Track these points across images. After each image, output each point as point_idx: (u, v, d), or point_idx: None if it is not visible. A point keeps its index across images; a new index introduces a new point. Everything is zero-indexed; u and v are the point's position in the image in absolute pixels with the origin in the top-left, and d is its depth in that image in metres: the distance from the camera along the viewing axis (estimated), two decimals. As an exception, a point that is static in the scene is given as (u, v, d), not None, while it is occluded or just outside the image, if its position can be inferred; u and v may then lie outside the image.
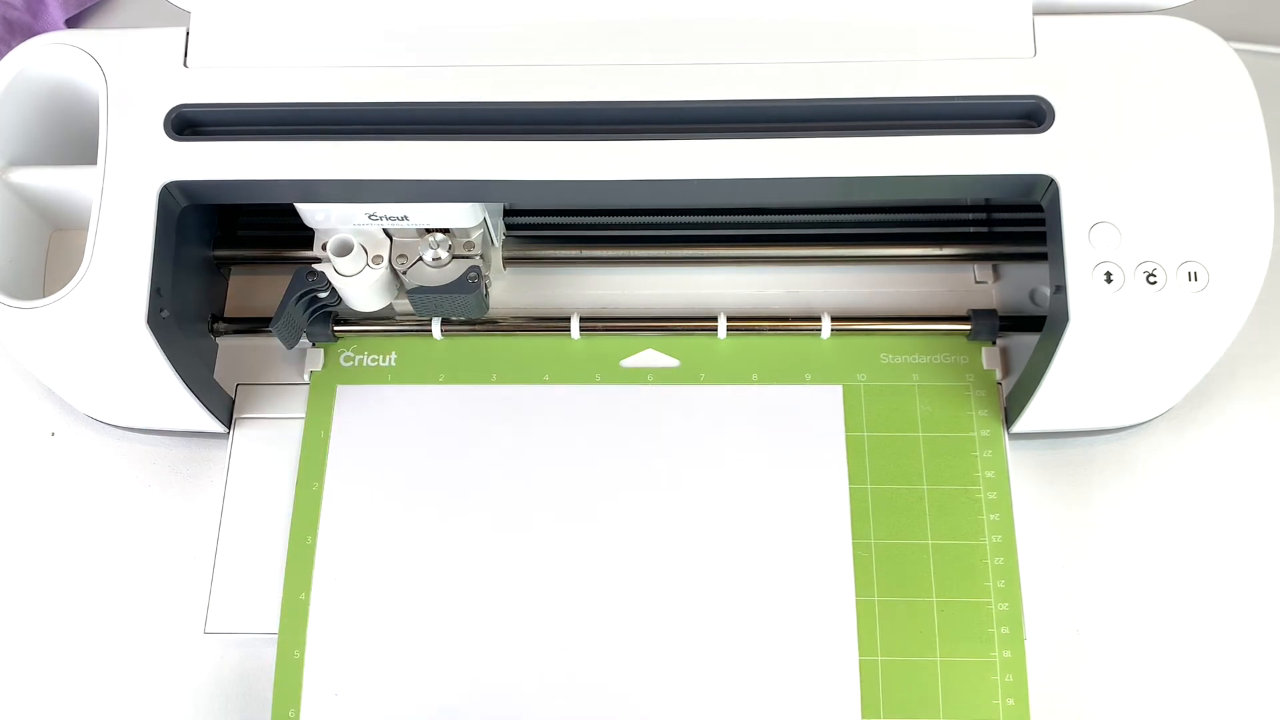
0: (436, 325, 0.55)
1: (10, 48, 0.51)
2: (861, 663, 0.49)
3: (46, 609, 0.53)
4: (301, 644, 0.50)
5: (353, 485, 0.53)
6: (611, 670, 0.49)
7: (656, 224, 0.56)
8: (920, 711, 0.48)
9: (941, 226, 0.56)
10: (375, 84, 0.48)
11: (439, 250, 0.52)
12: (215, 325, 0.56)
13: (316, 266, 0.52)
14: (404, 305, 0.54)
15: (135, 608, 0.52)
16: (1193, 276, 0.45)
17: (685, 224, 0.56)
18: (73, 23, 0.68)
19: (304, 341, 0.55)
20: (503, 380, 0.54)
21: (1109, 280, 0.45)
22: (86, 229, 0.47)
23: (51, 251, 0.54)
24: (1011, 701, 0.48)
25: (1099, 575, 0.51)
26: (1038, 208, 0.48)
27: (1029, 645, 0.48)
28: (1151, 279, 0.45)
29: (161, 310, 0.48)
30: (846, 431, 0.52)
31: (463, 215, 0.50)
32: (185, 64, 0.49)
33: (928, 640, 0.49)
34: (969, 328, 0.53)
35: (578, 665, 0.49)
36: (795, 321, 0.54)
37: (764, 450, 0.52)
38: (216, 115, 0.48)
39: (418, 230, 0.52)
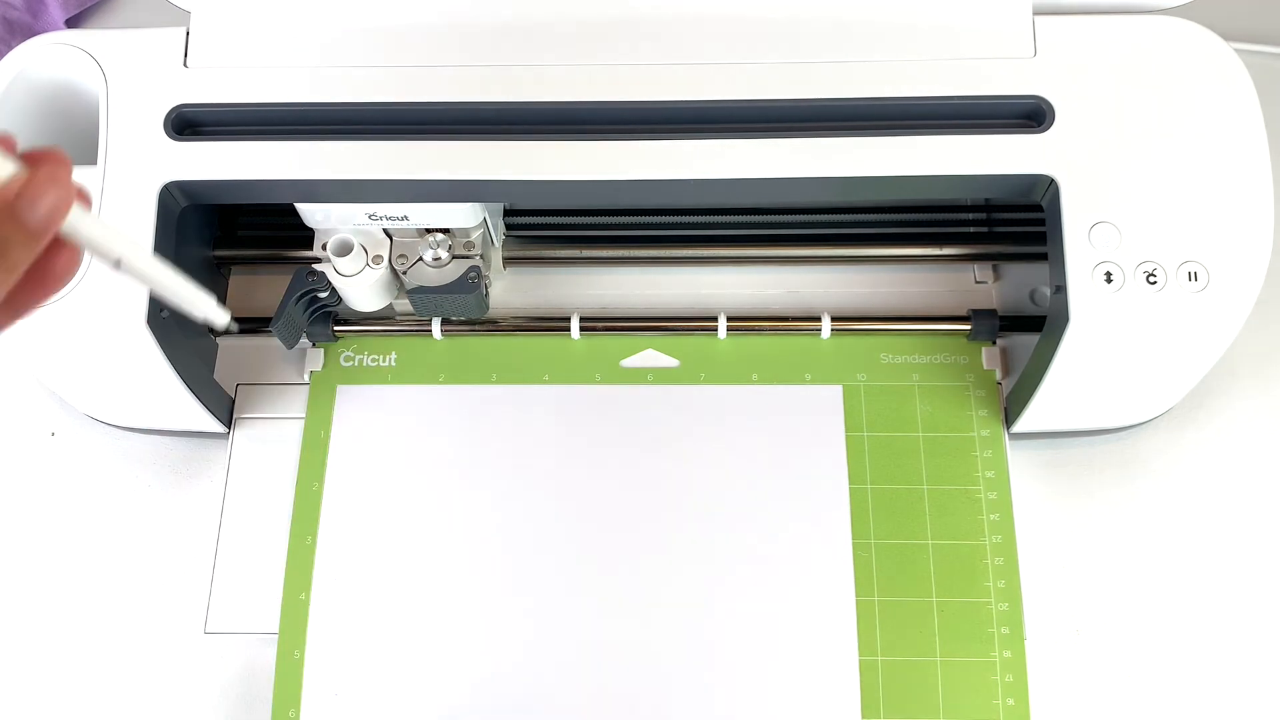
0: (436, 325, 0.55)
1: (10, 48, 0.51)
2: (861, 663, 0.49)
3: (47, 609, 0.53)
4: (301, 644, 0.50)
5: (353, 485, 0.53)
6: (612, 670, 0.49)
7: (656, 224, 0.56)
8: (920, 711, 0.48)
9: (941, 226, 0.56)
10: (375, 84, 0.48)
11: (439, 250, 0.52)
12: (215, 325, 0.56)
13: (316, 266, 0.52)
14: (404, 305, 0.54)
15: (135, 608, 0.52)
16: (1193, 276, 0.45)
17: (685, 224, 0.56)
18: (73, 23, 0.68)
19: (304, 341, 0.55)
20: (503, 380, 0.54)
21: (1109, 280, 0.45)
22: (86, 229, 0.47)
23: (51, 251, 0.54)
24: (1011, 701, 0.48)
25: (1099, 575, 0.51)
26: (1038, 208, 0.48)
27: (1029, 645, 0.48)
28: (1151, 279, 0.45)
29: (161, 310, 0.48)
30: (846, 431, 0.52)
31: (463, 215, 0.50)
32: (185, 64, 0.49)
33: (928, 640, 0.49)
34: (969, 328, 0.53)
35: (578, 665, 0.49)
36: (795, 321, 0.54)
37: (764, 450, 0.52)
38: (216, 115, 0.48)
39: (418, 230, 0.52)
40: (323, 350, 0.56)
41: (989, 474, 0.51)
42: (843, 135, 0.46)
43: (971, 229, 0.56)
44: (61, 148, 0.27)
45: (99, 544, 0.54)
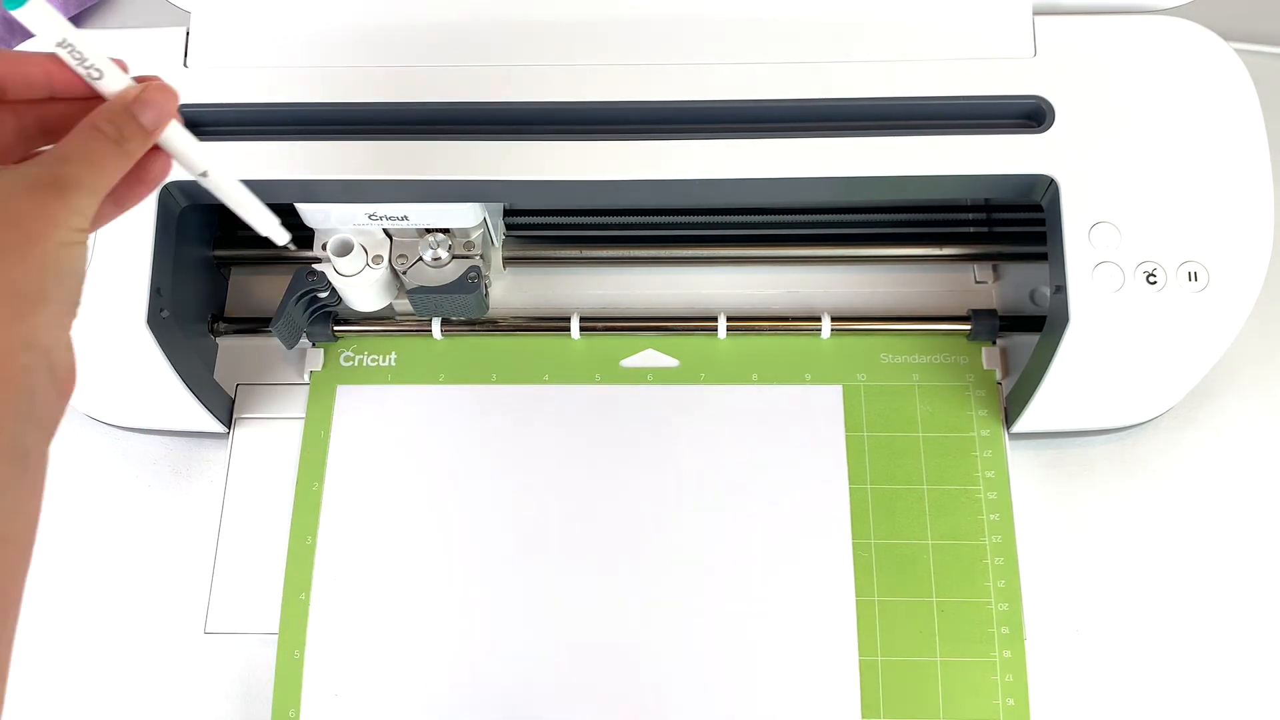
0: (436, 325, 0.55)
1: (10, 48, 0.51)
2: (861, 663, 0.49)
3: (47, 609, 0.53)
4: (301, 644, 0.50)
5: (353, 485, 0.53)
6: (612, 669, 0.49)
7: (656, 224, 0.56)
8: (920, 711, 0.48)
9: (941, 226, 0.56)
10: (375, 84, 0.48)
11: (439, 250, 0.52)
12: (215, 325, 0.56)
13: (316, 266, 0.52)
14: (404, 305, 0.54)
15: (135, 608, 0.52)
16: (1193, 276, 0.45)
17: (685, 224, 0.56)
18: (73, 23, 0.68)
19: (304, 341, 0.55)
20: (503, 380, 0.54)
21: (1109, 280, 0.45)
22: (86, 229, 0.47)
23: (51, 251, 0.54)
24: (1011, 701, 0.48)
25: (1099, 575, 0.51)
26: (1038, 208, 0.48)
27: (1029, 645, 0.48)
28: (1151, 279, 0.45)
29: (161, 310, 0.48)
30: (846, 431, 0.52)
31: (463, 215, 0.50)
32: (185, 64, 0.49)
33: (928, 640, 0.49)
34: (969, 328, 0.53)
35: (578, 665, 0.49)
36: (795, 321, 0.54)
37: (764, 450, 0.52)
38: (216, 115, 0.48)
39: (418, 230, 0.52)
40: (323, 350, 0.56)
41: (989, 474, 0.51)
42: (843, 135, 0.46)
43: (971, 229, 0.56)
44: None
45: (99, 544, 0.54)
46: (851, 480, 0.51)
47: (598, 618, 0.50)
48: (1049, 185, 0.46)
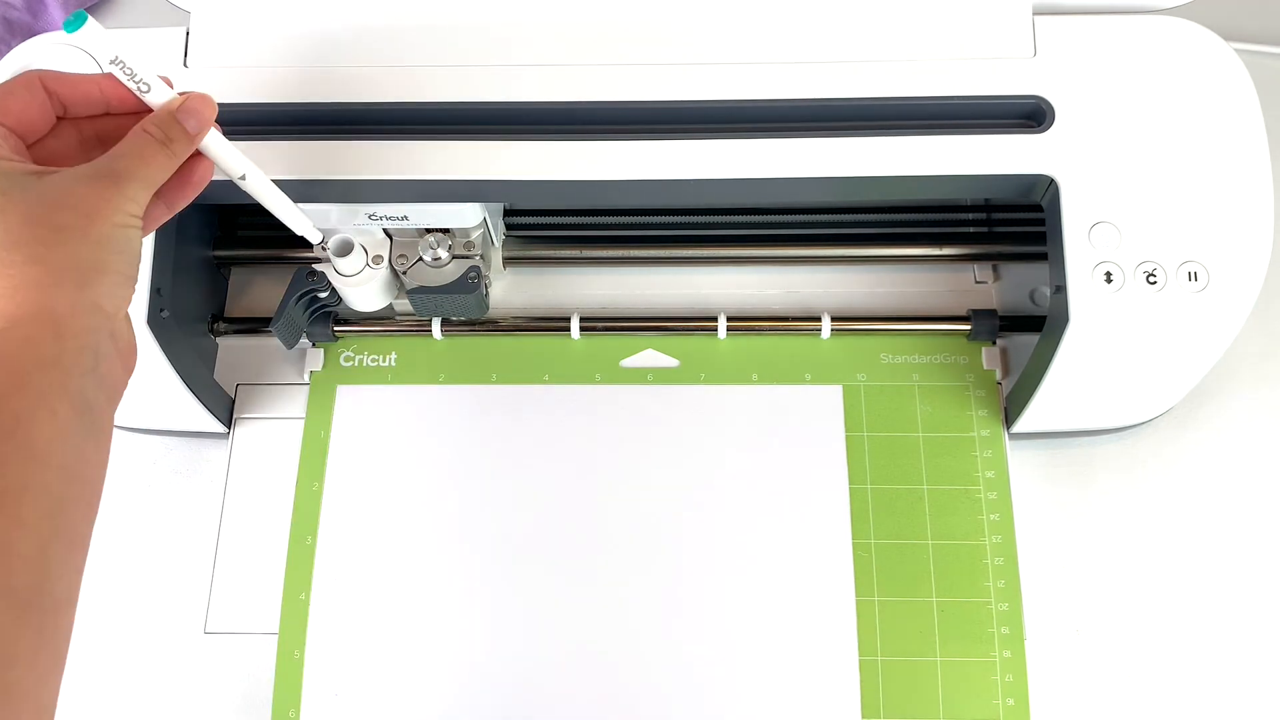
0: (436, 325, 0.55)
1: (10, 48, 0.51)
2: (861, 663, 0.49)
3: (46, 609, 0.53)
4: (301, 644, 0.50)
5: (353, 485, 0.53)
6: (612, 669, 0.49)
7: (656, 224, 0.56)
8: (920, 711, 0.48)
9: (941, 226, 0.56)
10: (375, 84, 0.48)
11: (439, 250, 0.52)
12: (215, 325, 0.56)
13: (316, 266, 0.52)
14: (404, 305, 0.54)
15: (135, 608, 0.52)
16: (1193, 276, 0.45)
17: (685, 224, 0.56)
18: (73, 23, 0.68)
19: (304, 341, 0.55)
20: (503, 380, 0.54)
21: (1109, 280, 0.45)
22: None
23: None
24: (1011, 701, 0.48)
25: (1099, 575, 0.51)
26: (1038, 208, 0.48)
27: (1029, 645, 0.48)
28: (1151, 279, 0.45)
29: (161, 310, 0.48)
30: (846, 431, 0.52)
31: (463, 215, 0.50)
32: (185, 64, 0.49)
33: (928, 640, 0.49)
34: (969, 328, 0.53)
35: (578, 665, 0.49)
36: (795, 321, 0.54)
37: (764, 450, 0.52)
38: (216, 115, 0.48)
39: (418, 230, 0.52)
40: (323, 350, 0.56)
41: (989, 474, 0.51)
42: (843, 135, 0.46)
43: (971, 229, 0.56)
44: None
45: (99, 544, 0.53)
46: (851, 480, 0.51)
47: (597, 617, 0.50)
48: (1049, 185, 0.46)
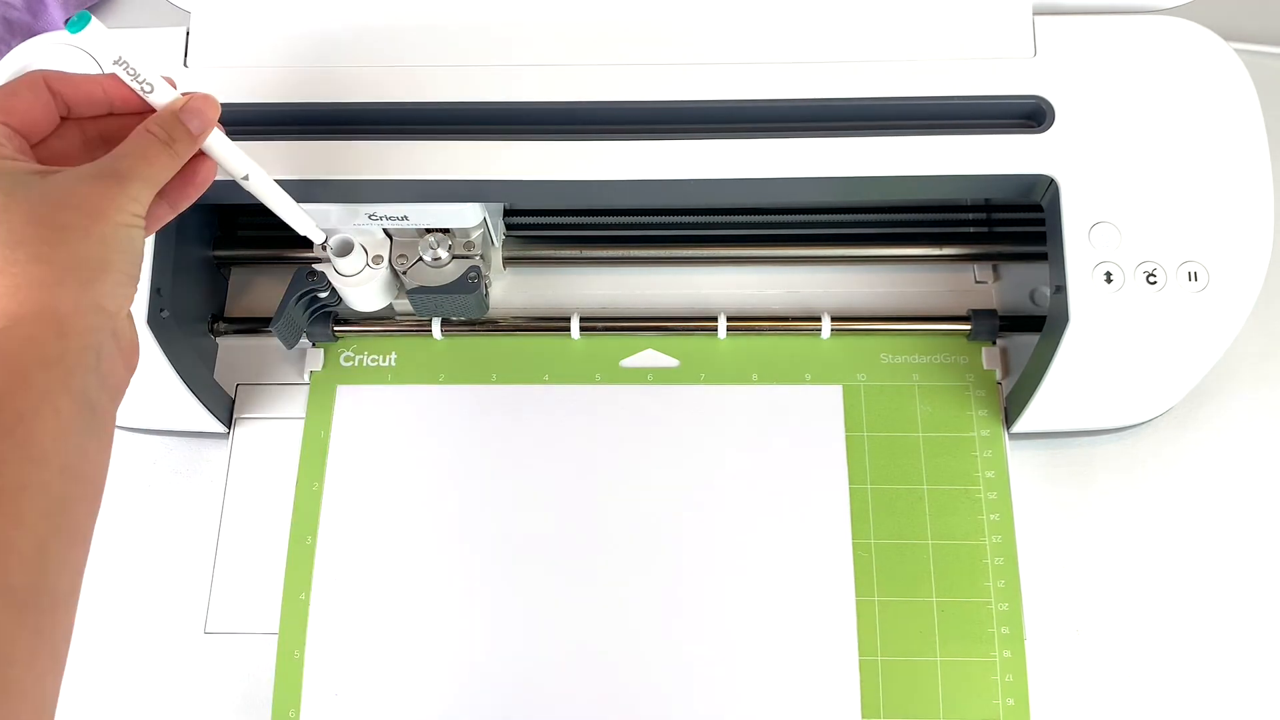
0: (436, 325, 0.55)
1: (10, 48, 0.51)
2: (861, 663, 0.49)
3: (46, 609, 0.53)
4: (301, 644, 0.50)
5: (353, 485, 0.53)
6: (612, 669, 0.49)
7: (656, 224, 0.56)
8: (920, 711, 0.48)
9: (941, 226, 0.56)
10: (375, 84, 0.48)
11: (439, 250, 0.52)
12: (215, 325, 0.56)
13: (316, 266, 0.52)
14: (404, 305, 0.54)
15: (135, 608, 0.52)
16: (1193, 276, 0.45)
17: (685, 224, 0.56)
18: (73, 23, 0.68)
19: (304, 341, 0.55)
20: (503, 380, 0.54)
21: (1109, 280, 0.45)
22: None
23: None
24: (1011, 701, 0.48)
25: (1099, 575, 0.51)
26: (1038, 208, 0.48)
27: (1029, 645, 0.48)
28: (1151, 279, 0.45)
29: (161, 310, 0.48)
30: (846, 431, 0.52)
31: (463, 215, 0.50)
32: (185, 64, 0.49)
33: (928, 640, 0.49)
34: (969, 328, 0.53)
35: (578, 665, 0.49)
36: (795, 321, 0.54)
37: (764, 450, 0.52)
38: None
39: (418, 230, 0.52)
40: (323, 350, 0.56)
41: (989, 474, 0.51)
42: (843, 135, 0.46)
43: (971, 229, 0.56)
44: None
45: (99, 544, 0.53)
46: (851, 480, 0.51)
47: (597, 617, 0.50)
48: (1049, 185, 0.46)
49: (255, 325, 0.56)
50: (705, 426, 0.53)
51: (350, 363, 0.55)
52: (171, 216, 0.39)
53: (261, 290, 0.57)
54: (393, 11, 0.49)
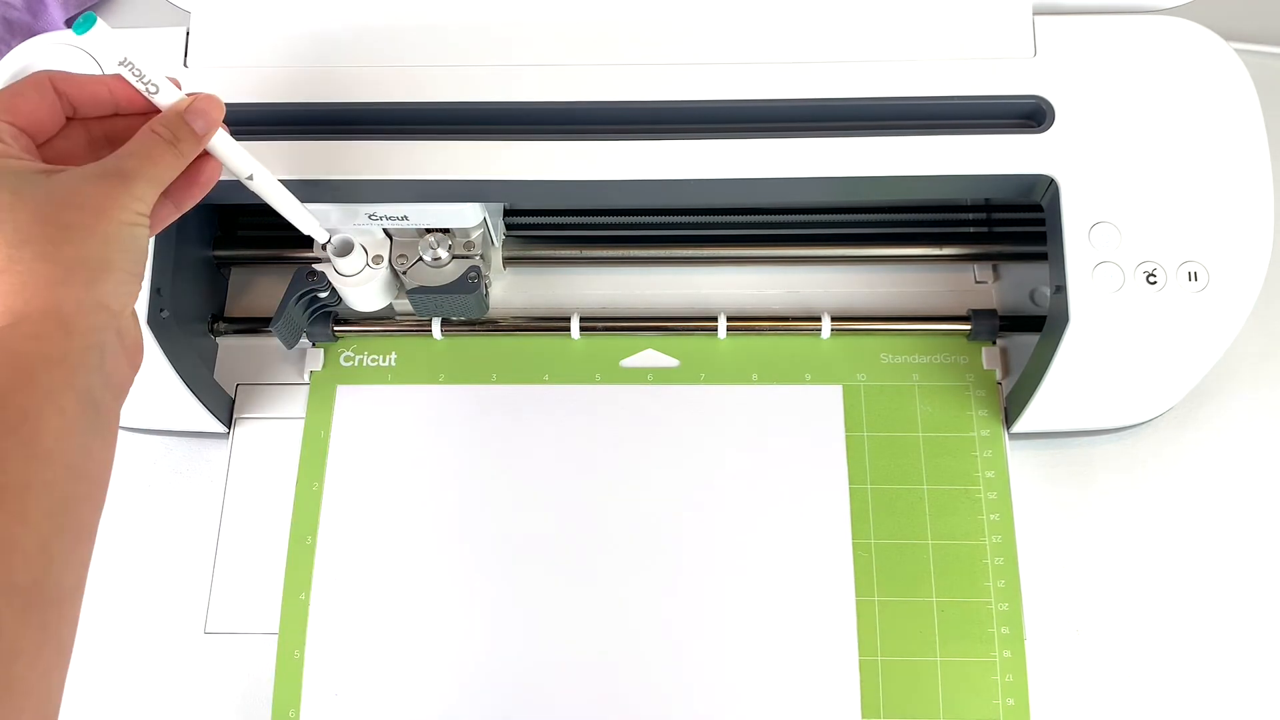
0: (436, 325, 0.55)
1: (10, 48, 0.51)
2: (861, 663, 0.49)
3: (46, 609, 0.53)
4: (301, 644, 0.50)
5: (353, 485, 0.53)
6: (611, 669, 0.49)
7: (656, 224, 0.56)
8: (920, 711, 0.48)
9: (941, 226, 0.56)
10: (375, 84, 0.48)
11: (439, 250, 0.52)
12: (215, 325, 0.56)
13: (316, 266, 0.52)
14: (404, 305, 0.54)
15: (135, 608, 0.52)
16: (1193, 276, 0.45)
17: (685, 224, 0.56)
18: (72, 23, 0.68)
19: (304, 341, 0.55)
20: (503, 380, 0.54)
21: (1109, 280, 0.45)
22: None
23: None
24: (1011, 701, 0.48)
25: (1099, 575, 0.51)
26: (1038, 208, 0.48)
27: (1029, 645, 0.48)
28: (1151, 279, 0.45)
29: (161, 310, 0.48)
30: (846, 431, 0.52)
31: (463, 215, 0.50)
32: (185, 64, 0.49)
33: (928, 640, 0.49)
34: (969, 328, 0.53)
35: (577, 664, 0.49)
36: (795, 321, 0.54)
37: (764, 450, 0.52)
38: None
39: (418, 230, 0.52)
40: (323, 350, 0.56)
41: (989, 474, 0.51)
42: (843, 135, 0.46)
43: (971, 229, 0.56)
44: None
45: (99, 544, 0.54)
46: (851, 480, 0.51)
47: (597, 617, 0.50)
48: (1049, 185, 0.46)
49: (255, 325, 0.56)
50: (705, 426, 0.53)
51: (350, 363, 0.55)
52: (176, 216, 0.39)
53: (261, 290, 0.57)
54: (393, 11, 0.49)
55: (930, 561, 0.50)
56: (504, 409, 0.54)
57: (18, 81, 0.37)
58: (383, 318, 0.56)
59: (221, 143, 0.39)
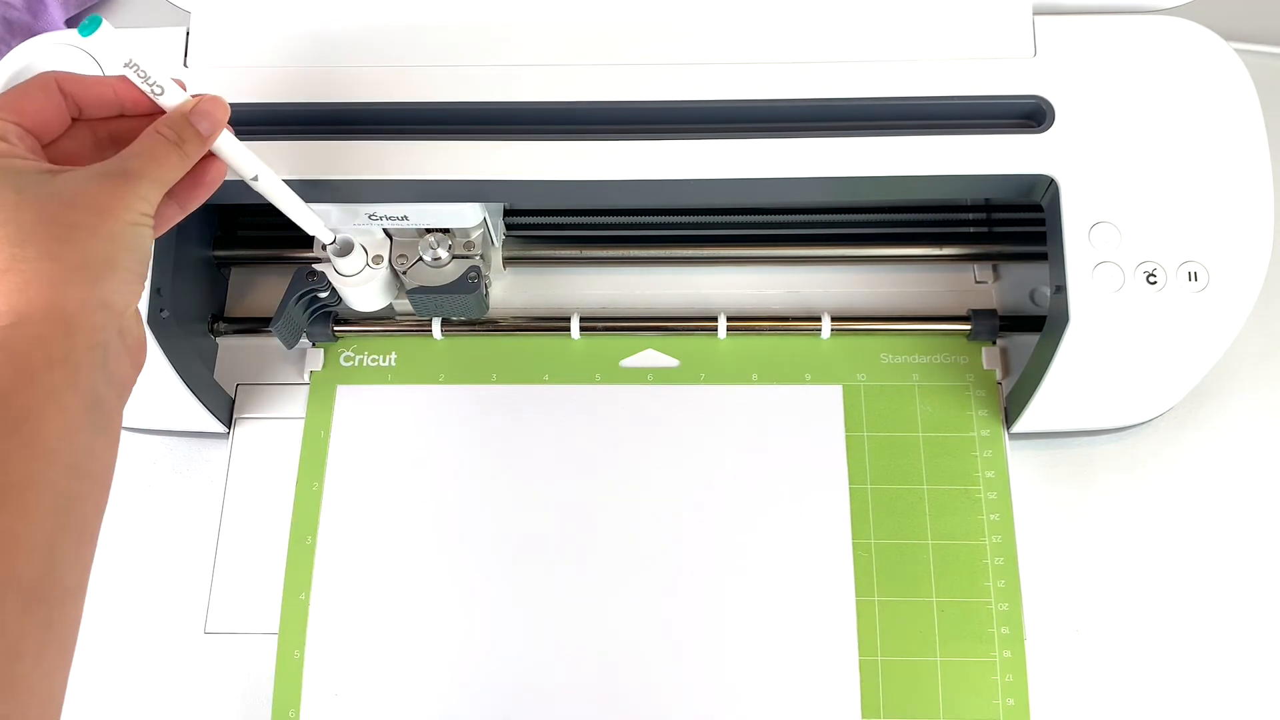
0: (436, 325, 0.55)
1: (10, 48, 0.51)
2: (861, 663, 0.49)
3: (46, 609, 0.53)
4: (301, 644, 0.50)
5: (353, 485, 0.53)
6: (611, 669, 0.49)
7: (656, 224, 0.56)
8: (920, 711, 0.48)
9: (941, 226, 0.56)
10: (375, 84, 0.48)
11: (439, 250, 0.52)
12: (215, 325, 0.56)
13: (316, 266, 0.52)
14: (404, 305, 0.54)
15: (135, 608, 0.52)
16: (1193, 276, 0.45)
17: (685, 224, 0.56)
18: (73, 22, 0.68)
19: (304, 341, 0.55)
20: (503, 380, 0.54)
21: (1109, 280, 0.45)
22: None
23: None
24: (1011, 701, 0.48)
25: (1099, 575, 0.51)
26: (1038, 208, 0.48)
27: (1029, 645, 0.48)
28: (1151, 279, 0.45)
29: (161, 310, 0.48)
30: (846, 431, 0.52)
31: (463, 215, 0.50)
32: (185, 64, 0.49)
33: (928, 640, 0.49)
34: (969, 328, 0.53)
35: (577, 664, 0.49)
36: (795, 321, 0.54)
37: (764, 450, 0.52)
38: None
39: (418, 230, 0.52)
40: (323, 350, 0.56)
41: (989, 474, 0.51)
42: (843, 135, 0.46)
43: (971, 229, 0.56)
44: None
45: (99, 544, 0.54)
46: (851, 480, 0.51)
47: (597, 616, 0.50)
48: (1049, 185, 0.46)
49: (255, 325, 0.56)
50: (705, 426, 0.53)
51: (350, 363, 0.55)
52: (181, 217, 0.40)
53: (261, 290, 0.57)
54: (393, 11, 0.49)
55: (930, 561, 0.50)
56: (504, 409, 0.54)
57: (24, 82, 0.37)
58: (383, 318, 0.56)
59: (226, 144, 0.39)
